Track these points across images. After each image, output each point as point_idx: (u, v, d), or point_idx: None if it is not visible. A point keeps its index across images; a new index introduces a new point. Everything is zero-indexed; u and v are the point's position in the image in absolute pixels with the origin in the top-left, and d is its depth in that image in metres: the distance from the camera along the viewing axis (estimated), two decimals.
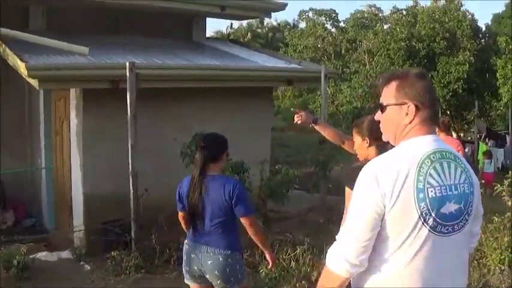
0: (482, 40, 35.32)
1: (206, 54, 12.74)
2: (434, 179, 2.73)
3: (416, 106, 2.87)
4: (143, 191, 9.22)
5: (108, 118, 9.91)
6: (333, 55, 40.29)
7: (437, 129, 6.28)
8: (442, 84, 32.02)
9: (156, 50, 11.73)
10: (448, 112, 35.11)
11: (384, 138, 3.10)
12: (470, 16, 34.68)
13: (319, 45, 41.10)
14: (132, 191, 8.91)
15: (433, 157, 2.78)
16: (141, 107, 9.05)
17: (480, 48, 33.70)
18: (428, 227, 2.69)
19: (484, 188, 12.50)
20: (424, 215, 2.67)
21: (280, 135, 30.87)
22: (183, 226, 5.64)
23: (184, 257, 5.49)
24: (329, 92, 30.81)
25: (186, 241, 5.53)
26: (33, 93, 11.80)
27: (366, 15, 43.02)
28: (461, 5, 34.15)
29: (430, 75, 31.87)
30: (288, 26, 57.18)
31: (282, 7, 14.12)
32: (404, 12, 36.23)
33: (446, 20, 32.75)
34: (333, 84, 33.75)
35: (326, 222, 10.79)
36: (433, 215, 2.69)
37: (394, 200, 2.66)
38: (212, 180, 5.24)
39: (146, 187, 9.34)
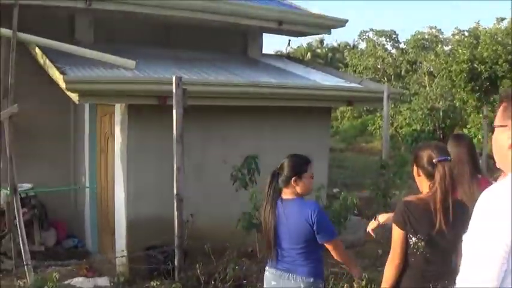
0: None
1: (260, 71, 12.22)
2: None
3: None
4: (189, 216, 8.69)
5: (155, 136, 9.51)
6: (392, 76, 40.05)
7: None
8: None
9: (207, 65, 11.27)
10: None
11: (497, 164, 2.67)
12: None
13: (379, 66, 41.12)
14: (176, 216, 8.27)
15: None
16: (189, 126, 8.51)
17: None
18: None
19: None
20: None
21: (338, 156, 30.71)
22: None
23: (265, 285, 5.34)
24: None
25: (267, 268, 5.34)
26: (79, 107, 11.34)
27: (426, 36, 42.43)
28: None
29: (492, 98, 31.16)
30: (348, 47, 56.54)
31: (342, 23, 13.52)
32: (466, 34, 35.46)
33: (510, 42, 31.98)
34: (393, 105, 33.04)
35: (385, 253, 10.03)
36: None
37: None
38: (290, 204, 5.06)
39: (192, 212, 8.83)
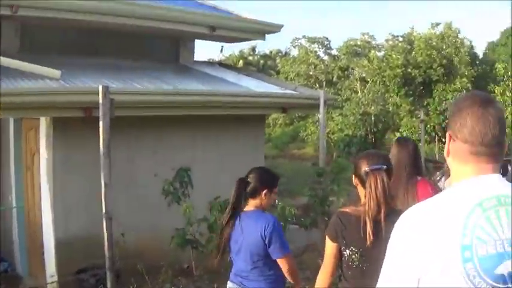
0: (479, 67, 35.17)
1: (192, 78, 11.83)
2: (485, 232, 2.17)
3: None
4: (119, 235, 8.21)
5: (83, 151, 9.11)
6: (324, 83, 40.68)
7: None
8: (438, 112, 31.99)
9: (136, 74, 10.81)
10: (443, 140, 34.74)
11: None
12: (468, 43, 34.93)
13: (311, 73, 41.70)
14: (106, 236, 7.77)
15: (486, 204, 2.20)
16: (117, 138, 8.10)
17: (477, 75, 33.89)
18: None
19: None
20: (471, 278, 2.12)
21: (271, 163, 31.11)
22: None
23: None
24: (319, 120, 30.61)
25: (228, 281, 5.25)
26: (4, 122, 10.79)
27: (358, 42, 43.34)
28: (459, 32, 33.68)
29: (426, 102, 31.66)
30: (280, 54, 56.94)
31: (277, 28, 13.17)
32: (400, 39, 36.15)
33: (444, 47, 32.79)
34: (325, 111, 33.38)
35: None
36: (484, 277, 2.13)
37: (433, 259, 2.15)
38: (248, 216, 4.96)
39: (124, 230, 8.36)
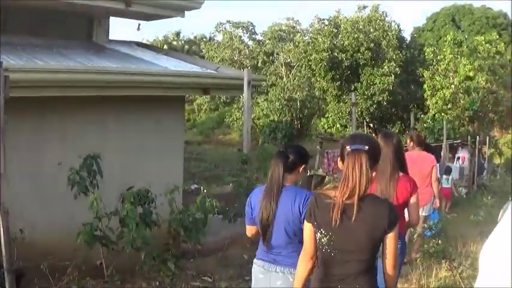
0: (407, 51, 35.10)
1: (104, 57, 10.93)
2: None
3: None
4: (18, 231, 7.38)
5: None
6: (249, 68, 40.73)
7: (411, 143, 7.37)
8: (365, 96, 32.36)
9: (43, 52, 9.85)
10: (371, 125, 34.96)
11: None
12: (396, 26, 35.20)
13: (235, 58, 42.31)
14: (2, 234, 6.83)
15: None
16: (15, 122, 7.17)
17: (405, 59, 34.24)
18: None
19: (445, 202, 16.70)
20: None
21: (197, 149, 31.72)
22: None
23: (253, 278, 5.13)
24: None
25: (254, 260, 5.11)
26: None
27: (283, 27, 43.86)
28: (386, 15, 33.77)
29: (353, 86, 31.68)
30: (205, 39, 57.11)
31: (197, 5, 12.29)
32: (326, 22, 36.11)
33: (371, 30, 33.12)
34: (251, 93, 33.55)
35: (251, 258, 9.13)
36: None
37: None
38: (287, 191, 4.89)
39: (22, 226, 7.50)
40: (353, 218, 3.65)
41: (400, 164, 5.57)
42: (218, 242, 10.52)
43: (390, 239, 3.70)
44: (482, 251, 2.21)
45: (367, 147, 3.76)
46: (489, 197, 12.81)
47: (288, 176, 4.90)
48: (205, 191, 10.00)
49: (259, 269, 4.98)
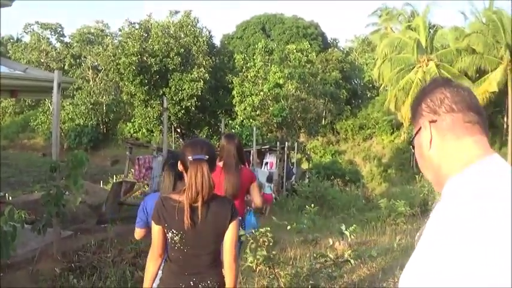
0: (217, 57, 35.53)
1: None
2: None
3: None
4: None
5: None
6: (56, 71, 40.20)
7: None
8: (174, 102, 32.40)
9: None
10: (179, 130, 35.20)
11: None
12: (207, 33, 35.76)
13: (42, 60, 41.48)
14: None
15: None
16: None
17: (215, 65, 34.74)
18: None
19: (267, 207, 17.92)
20: None
21: (2, 154, 30.78)
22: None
23: None
24: (51, 108, 30.37)
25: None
26: None
27: (92, 30, 43.54)
28: (198, 21, 33.98)
29: (161, 92, 31.59)
30: (12, 40, 54.85)
31: (9, 2, 11.46)
32: (137, 26, 35.88)
33: (182, 36, 33.23)
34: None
35: (65, 273, 8.62)
36: None
37: None
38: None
39: None
40: (200, 218, 4.03)
41: (241, 158, 6.82)
42: (27, 254, 9.71)
43: (231, 228, 4.13)
44: (402, 278, 2.06)
45: (207, 156, 4.11)
46: (312, 205, 13.61)
47: (179, 184, 5.13)
48: (10, 198, 9.23)
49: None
